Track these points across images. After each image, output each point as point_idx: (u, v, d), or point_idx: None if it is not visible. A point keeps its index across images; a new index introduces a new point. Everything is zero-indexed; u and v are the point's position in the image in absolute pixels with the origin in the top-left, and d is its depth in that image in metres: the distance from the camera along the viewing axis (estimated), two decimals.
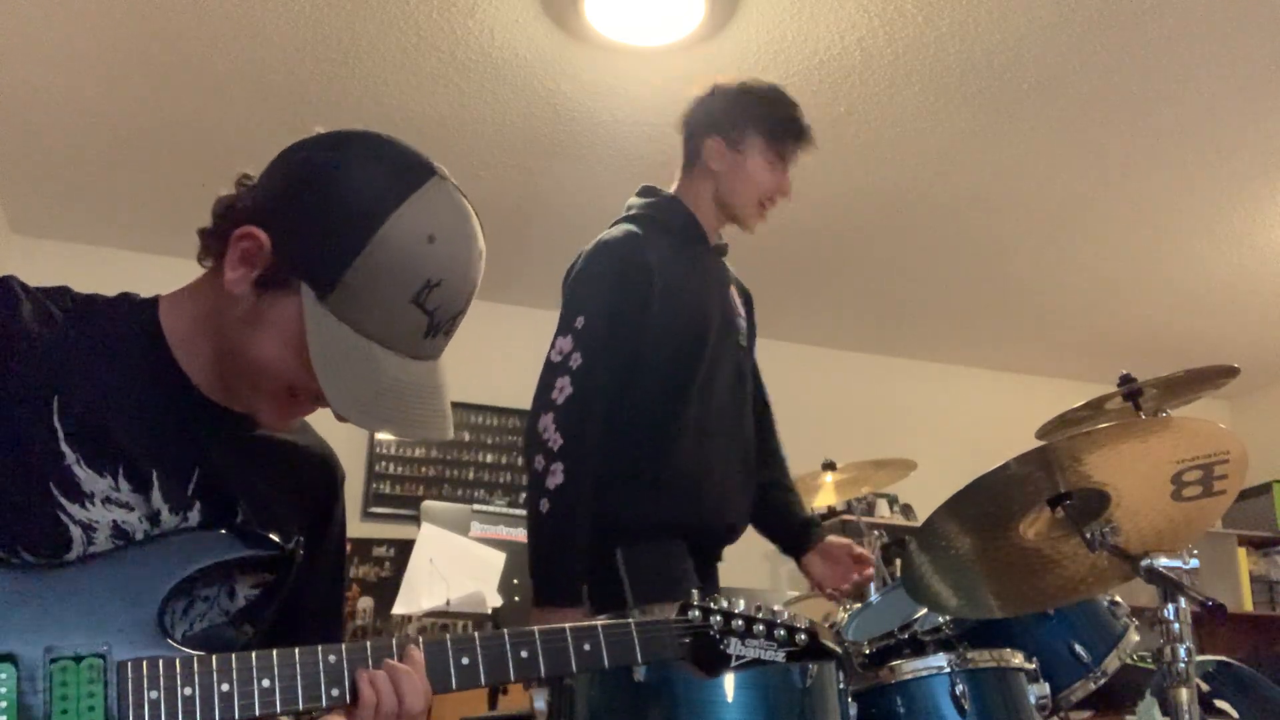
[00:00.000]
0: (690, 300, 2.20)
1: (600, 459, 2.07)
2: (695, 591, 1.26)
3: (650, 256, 2.16)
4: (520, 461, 5.14)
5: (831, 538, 2.38)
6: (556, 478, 2.00)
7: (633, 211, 2.30)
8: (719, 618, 1.24)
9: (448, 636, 1.12)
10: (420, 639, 1.12)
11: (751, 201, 2.28)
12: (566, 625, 1.18)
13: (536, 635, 1.15)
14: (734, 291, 2.37)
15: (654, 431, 2.14)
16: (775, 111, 2.28)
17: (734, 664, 1.24)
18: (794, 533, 2.40)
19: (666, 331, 2.15)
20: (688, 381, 2.17)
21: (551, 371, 2.10)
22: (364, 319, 1.07)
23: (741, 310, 2.38)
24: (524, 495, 5.04)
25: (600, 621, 1.20)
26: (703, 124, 2.31)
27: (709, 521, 2.20)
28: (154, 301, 1.20)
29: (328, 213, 1.08)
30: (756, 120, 2.27)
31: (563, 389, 2.06)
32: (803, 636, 1.28)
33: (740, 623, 1.25)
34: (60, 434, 1.07)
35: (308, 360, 1.07)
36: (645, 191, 2.35)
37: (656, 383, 2.15)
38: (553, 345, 2.13)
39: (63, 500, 1.06)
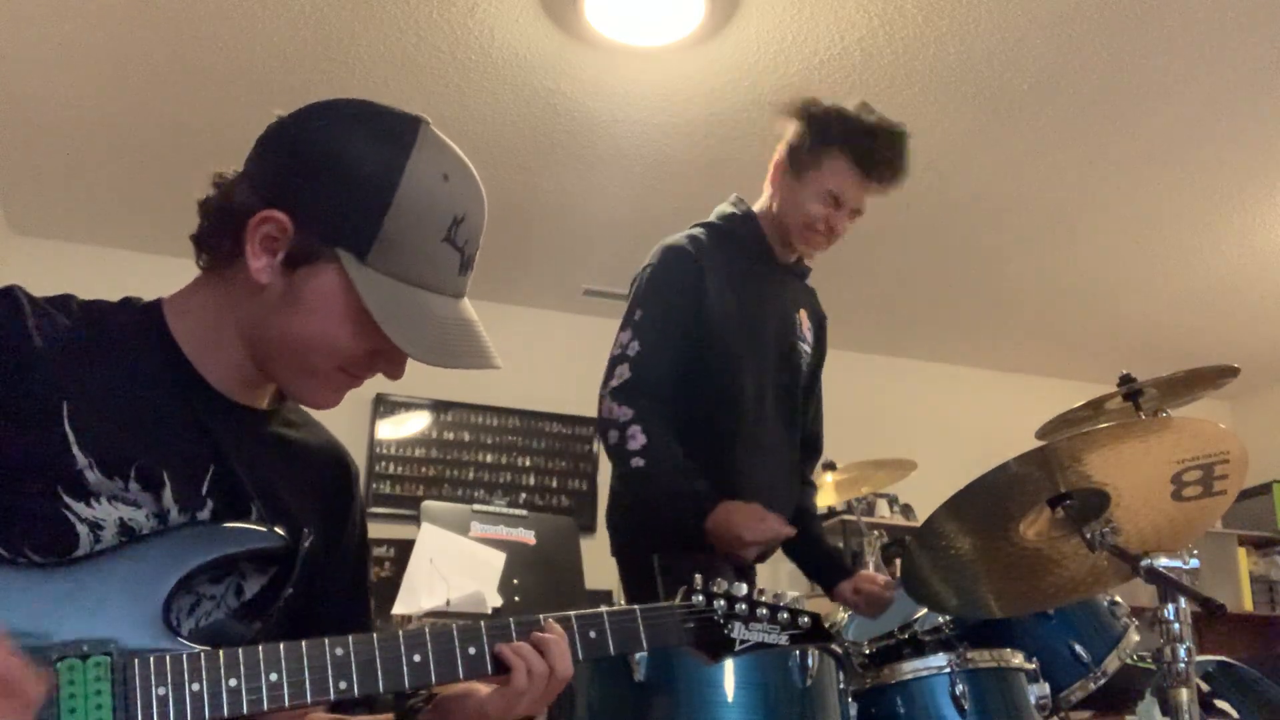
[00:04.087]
0: (741, 310, 2.22)
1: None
2: (698, 576, 1.26)
3: (705, 262, 2.19)
4: (521, 462, 5.15)
5: (864, 573, 2.36)
6: (639, 439, 2.04)
7: (708, 219, 2.33)
8: (722, 602, 1.25)
9: (454, 625, 1.12)
10: (426, 629, 1.12)
11: (796, 225, 2.23)
12: (572, 614, 1.18)
13: (542, 623, 1.16)
14: (804, 315, 2.37)
15: (706, 440, 2.15)
16: (853, 153, 2.18)
17: (738, 648, 1.24)
18: (827, 564, 2.39)
19: (718, 338, 2.18)
20: (740, 391, 2.18)
21: (612, 363, 2.15)
22: (407, 268, 1.10)
23: (809, 336, 2.37)
24: (523, 495, 5.04)
25: (605, 610, 1.20)
26: (781, 140, 2.29)
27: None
28: (157, 304, 1.19)
29: (346, 176, 1.10)
30: (827, 157, 2.19)
31: (621, 375, 2.12)
32: (805, 620, 1.29)
33: (743, 607, 1.26)
34: (72, 440, 1.07)
35: (358, 325, 1.10)
36: (734, 202, 2.37)
37: (710, 390, 2.17)
38: (615, 341, 2.17)
39: (68, 499, 1.06)
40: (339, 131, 1.12)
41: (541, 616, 1.15)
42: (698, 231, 2.27)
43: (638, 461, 2.04)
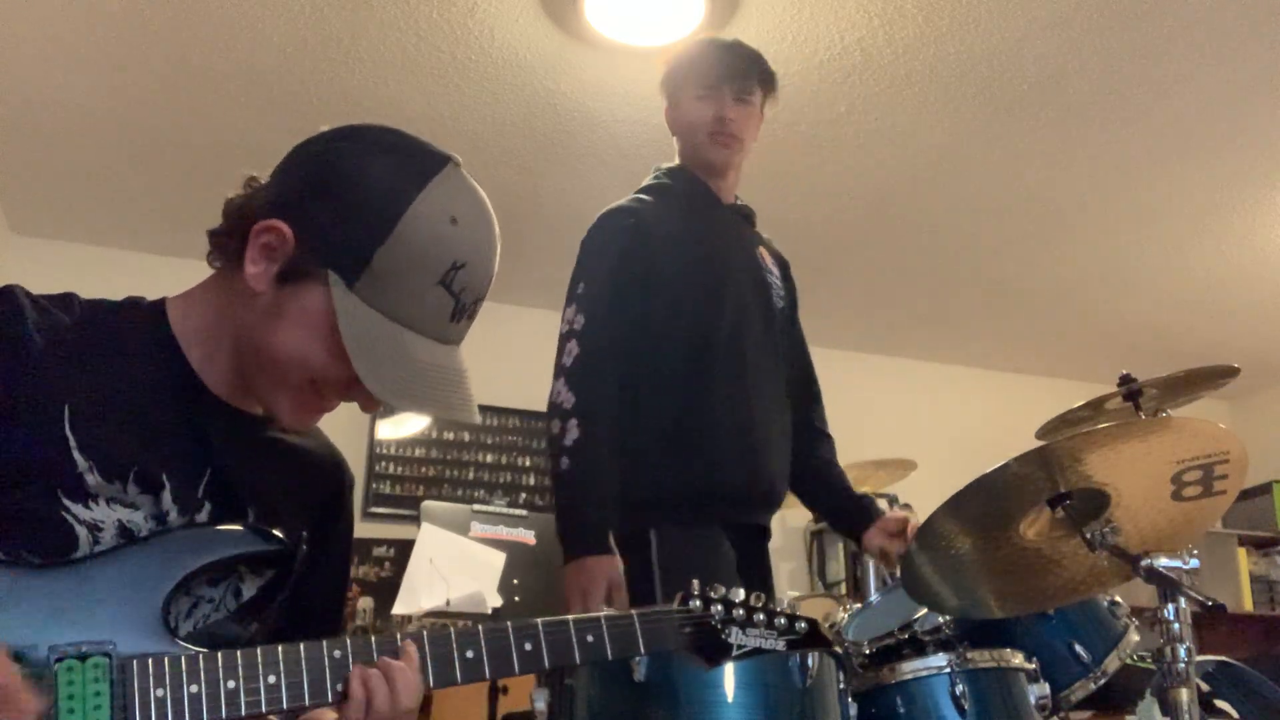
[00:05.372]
0: (700, 252, 2.21)
1: (620, 418, 2.08)
2: (695, 581, 1.26)
3: (648, 215, 2.20)
4: (521, 462, 5.15)
5: (888, 514, 2.35)
6: (572, 434, 2.02)
7: (644, 183, 2.35)
8: (719, 607, 1.25)
9: (451, 629, 1.13)
10: (424, 632, 1.12)
11: (699, 139, 2.27)
12: (569, 618, 1.18)
13: (540, 627, 1.16)
14: (764, 252, 2.36)
15: (683, 386, 2.13)
16: (691, 54, 2.31)
17: (735, 653, 1.25)
18: (854, 510, 2.38)
19: (677, 284, 2.17)
20: (712, 331, 2.16)
21: (561, 340, 2.14)
22: (393, 303, 1.09)
23: (775, 270, 2.37)
24: (523, 495, 5.04)
25: (602, 614, 1.20)
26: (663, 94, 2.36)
27: (748, 479, 2.15)
28: (161, 304, 1.20)
29: (351, 201, 1.09)
30: (678, 71, 2.30)
31: (570, 351, 2.10)
32: (802, 625, 1.29)
33: (741, 612, 1.26)
34: (72, 444, 1.07)
35: (335, 349, 1.09)
36: (654, 170, 2.39)
37: (678, 337, 2.15)
38: (562, 317, 2.16)
39: (67, 502, 1.06)
40: (361, 156, 1.12)
41: (399, 635, 1.11)
42: (638, 194, 2.30)
43: (564, 462, 2.02)
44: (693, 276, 2.18)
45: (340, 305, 1.08)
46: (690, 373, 2.14)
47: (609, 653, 1.18)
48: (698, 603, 1.25)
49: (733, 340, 2.18)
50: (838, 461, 2.47)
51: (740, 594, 1.27)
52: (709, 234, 2.25)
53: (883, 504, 5.64)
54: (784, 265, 2.45)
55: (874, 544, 2.31)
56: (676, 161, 2.36)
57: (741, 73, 2.26)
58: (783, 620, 1.28)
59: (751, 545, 2.22)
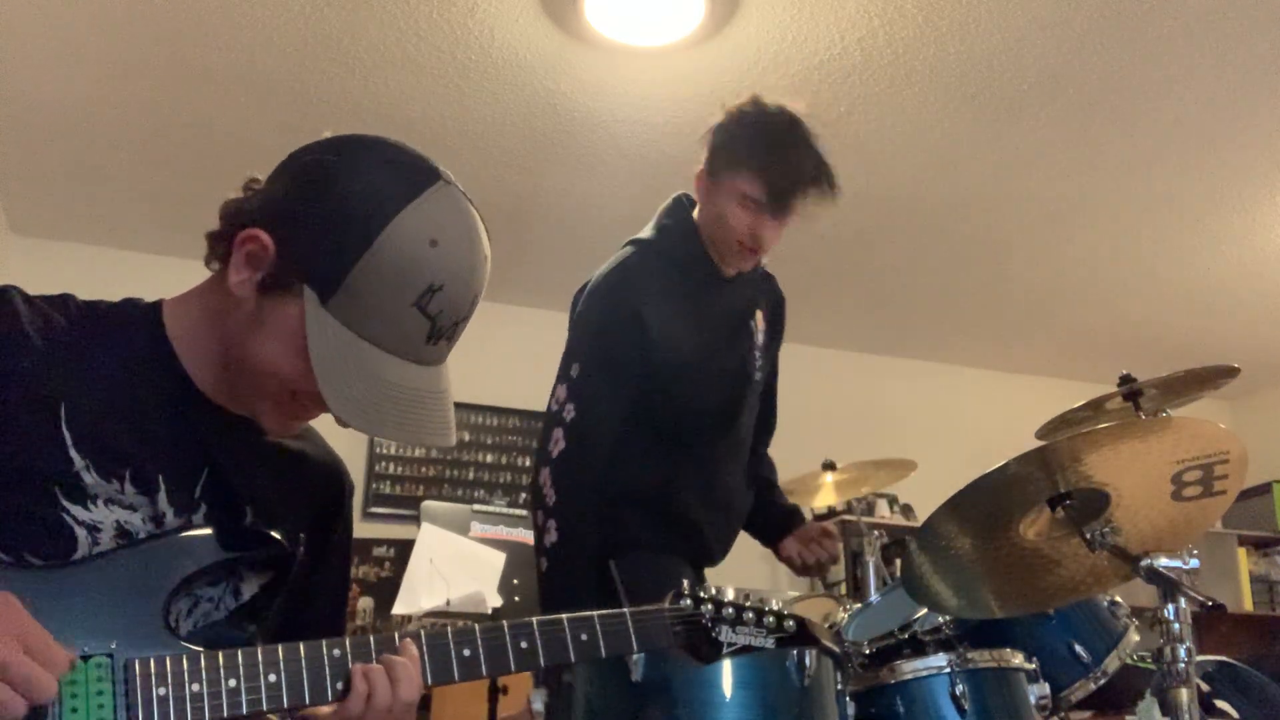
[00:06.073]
0: (694, 338, 2.13)
1: (600, 509, 2.06)
2: (685, 581, 1.29)
3: (644, 302, 2.08)
4: (521, 462, 5.15)
5: (809, 526, 2.37)
6: (551, 535, 2.01)
7: (646, 235, 2.22)
8: (709, 606, 1.28)
9: (449, 628, 1.13)
10: (421, 631, 1.13)
11: (724, 242, 2.12)
12: (564, 616, 1.20)
13: (535, 626, 1.17)
14: (759, 316, 2.27)
15: (657, 464, 2.12)
16: (757, 149, 2.06)
17: (725, 651, 1.28)
18: (776, 521, 2.39)
19: (666, 373, 2.10)
20: (691, 421, 2.14)
21: (549, 422, 2.08)
22: (365, 322, 1.08)
23: (761, 339, 2.27)
24: (523, 495, 5.05)
25: (596, 613, 1.22)
26: (703, 147, 2.17)
27: (703, 551, 2.21)
28: (158, 306, 1.20)
29: (331, 216, 1.08)
30: (735, 153, 2.08)
31: (557, 442, 2.05)
32: (790, 623, 1.32)
33: (730, 610, 1.29)
34: (69, 441, 1.07)
35: (308, 365, 1.07)
36: (673, 206, 2.25)
37: (661, 419, 2.12)
38: (552, 392, 2.11)
39: (65, 502, 1.06)
40: (346, 170, 1.10)
41: (396, 634, 1.11)
42: (634, 260, 2.15)
43: (543, 563, 2.01)
44: (683, 374, 2.11)
45: (311, 321, 1.07)
46: (666, 452, 2.13)
47: (603, 650, 1.20)
48: (688, 601, 1.27)
49: (711, 430, 2.17)
50: (776, 480, 2.47)
51: (730, 593, 1.30)
52: (706, 325, 2.16)
53: (882, 504, 5.64)
54: (775, 310, 2.36)
55: (789, 551, 2.34)
56: (696, 211, 2.20)
57: (796, 199, 2.08)
58: (771, 619, 1.31)
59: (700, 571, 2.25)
